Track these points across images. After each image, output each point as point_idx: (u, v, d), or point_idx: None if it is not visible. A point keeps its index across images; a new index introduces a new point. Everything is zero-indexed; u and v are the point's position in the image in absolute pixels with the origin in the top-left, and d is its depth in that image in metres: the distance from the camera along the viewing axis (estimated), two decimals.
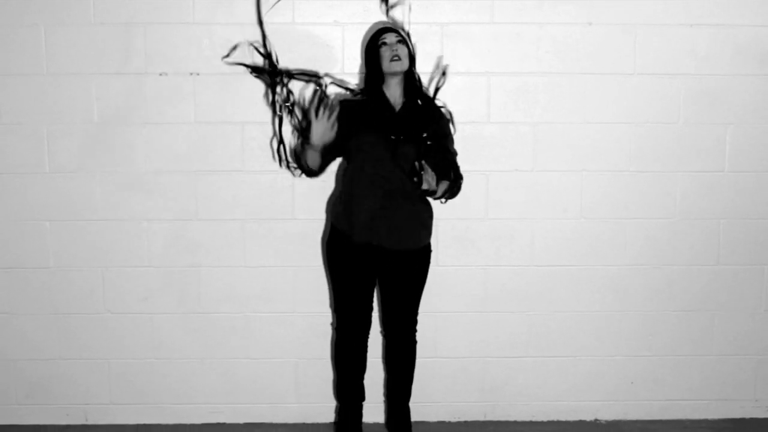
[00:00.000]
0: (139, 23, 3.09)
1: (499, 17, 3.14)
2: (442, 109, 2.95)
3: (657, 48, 3.16)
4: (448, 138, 2.91)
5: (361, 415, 3.10)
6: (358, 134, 2.82)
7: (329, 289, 3.23)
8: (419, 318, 3.07)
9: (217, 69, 3.11)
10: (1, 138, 3.13)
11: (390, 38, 2.80)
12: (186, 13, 3.09)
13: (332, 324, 3.25)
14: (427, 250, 2.95)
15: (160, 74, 3.12)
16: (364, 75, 2.93)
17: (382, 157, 2.79)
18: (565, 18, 3.14)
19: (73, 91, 3.12)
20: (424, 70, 3.06)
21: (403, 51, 2.79)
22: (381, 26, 2.90)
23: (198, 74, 3.12)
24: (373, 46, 2.83)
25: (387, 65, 2.79)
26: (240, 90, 3.13)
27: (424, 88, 2.96)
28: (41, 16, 3.07)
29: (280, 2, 3.09)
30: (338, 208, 2.92)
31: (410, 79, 2.87)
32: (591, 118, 3.20)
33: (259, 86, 3.12)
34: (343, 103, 2.88)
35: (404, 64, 2.79)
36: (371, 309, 3.00)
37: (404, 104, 2.86)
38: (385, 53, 2.79)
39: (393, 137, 2.75)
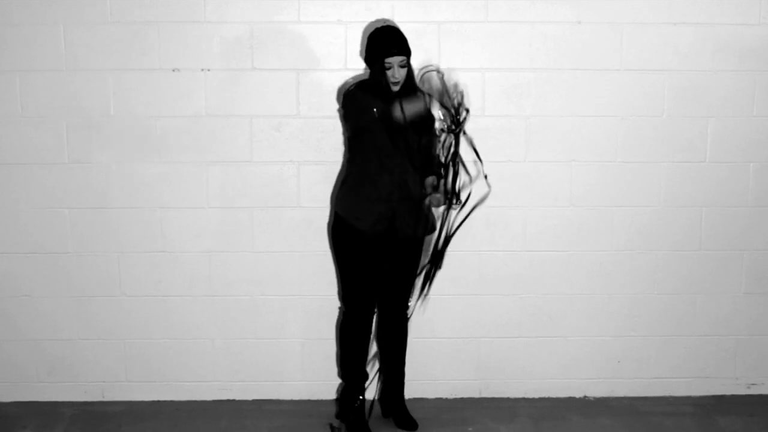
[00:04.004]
0: (153, 22, 3.24)
1: (493, 16, 3.28)
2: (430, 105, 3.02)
3: (642, 45, 3.31)
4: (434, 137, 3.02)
5: (365, 394, 3.21)
6: (367, 120, 2.90)
7: (336, 272, 3.36)
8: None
9: (227, 65, 3.27)
10: (23, 130, 3.29)
11: (393, 62, 2.87)
12: (198, 12, 3.24)
13: (339, 307, 3.40)
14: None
15: (173, 70, 3.28)
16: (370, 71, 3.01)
17: (387, 146, 2.92)
18: (555, 17, 3.29)
19: (91, 86, 3.27)
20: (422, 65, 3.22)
21: (402, 74, 2.88)
22: (383, 34, 2.91)
23: (209, 70, 3.27)
24: (375, 59, 2.90)
25: (387, 82, 2.90)
26: (248, 85, 3.29)
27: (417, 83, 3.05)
28: (61, 16, 3.22)
29: (285, 1, 3.25)
30: (347, 200, 3.03)
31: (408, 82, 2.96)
32: (580, 111, 3.35)
33: (265, 82, 3.28)
34: (360, 87, 2.98)
35: (401, 83, 2.90)
36: (376, 287, 3.12)
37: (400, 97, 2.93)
38: (387, 73, 2.89)
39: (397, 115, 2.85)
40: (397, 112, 2.81)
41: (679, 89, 3.34)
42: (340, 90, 3.27)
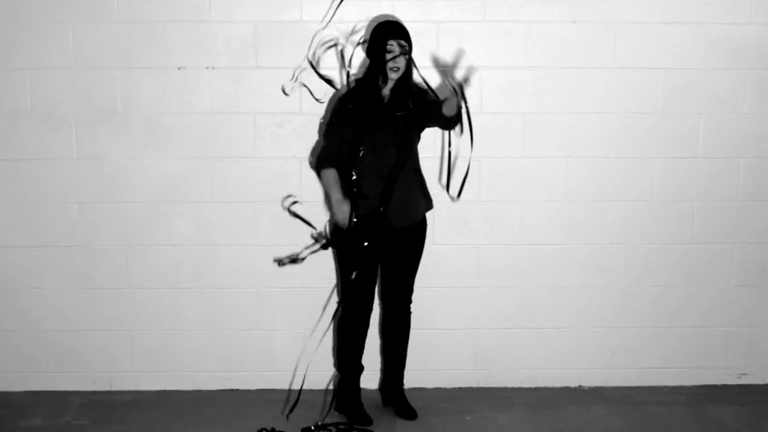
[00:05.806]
0: (159, 21, 3.32)
1: (490, 15, 3.36)
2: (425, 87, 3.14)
3: (636, 44, 3.38)
4: (434, 102, 3.07)
5: (359, 385, 3.31)
6: (355, 129, 3.04)
7: (336, 269, 3.44)
8: (416, 292, 3.29)
9: (231, 63, 3.35)
10: (33, 127, 3.36)
11: (394, 48, 2.97)
12: (203, 11, 3.31)
13: (338, 301, 3.46)
14: (424, 222, 3.20)
15: (179, 68, 3.35)
16: (366, 66, 3.11)
17: (377, 146, 3.02)
18: (551, 16, 3.36)
19: (99, 84, 3.35)
20: (422, 64, 3.28)
21: (402, 62, 2.98)
22: (387, 21, 3.04)
23: (214, 68, 3.35)
24: (378, 44, 2.99)
25: (386, 71, 2.99)
26: (252, 83, 3.36)
27: (414, 80, 3.11)
28: (70, 15, 3.30)
29: (288, 1, 3.33)
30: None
31: (403, 80, 3.04)
32: (575, 108, 3.43)
33: (269, 80, 3.36)
34: (342, 101, 3.08)
35: (400, 72, 3.00)
36: (375, 284, 3.22)
37: (392, 97, 3.06)
38: (388, 58, 2.97)
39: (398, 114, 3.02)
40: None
41: (672, 87, 3.42)
42: (331, 99, 3.33)
